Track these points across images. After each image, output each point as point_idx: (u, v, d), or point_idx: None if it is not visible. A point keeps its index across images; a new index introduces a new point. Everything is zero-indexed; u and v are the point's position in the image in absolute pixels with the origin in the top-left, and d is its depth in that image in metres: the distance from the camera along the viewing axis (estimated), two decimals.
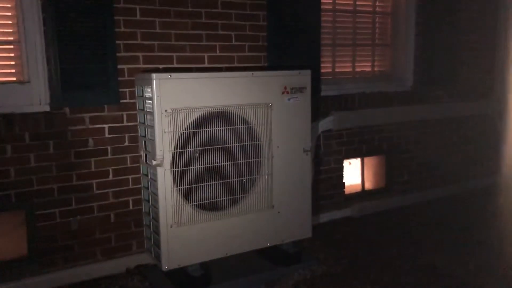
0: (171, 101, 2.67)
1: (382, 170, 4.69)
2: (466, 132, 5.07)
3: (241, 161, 2.94)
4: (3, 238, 2.99)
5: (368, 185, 4.65)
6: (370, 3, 4.49)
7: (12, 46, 2.97)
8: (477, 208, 4.52)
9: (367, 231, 3.97)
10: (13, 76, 2.99)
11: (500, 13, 5.10)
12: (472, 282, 3.04)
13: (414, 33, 4.56)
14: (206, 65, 3.42)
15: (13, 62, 2.99)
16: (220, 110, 2.84)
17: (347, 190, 4.35)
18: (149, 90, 2.68)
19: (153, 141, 2.70)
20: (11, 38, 2.97)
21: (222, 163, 2.88)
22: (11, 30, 2.96)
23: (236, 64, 3.55)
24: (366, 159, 4.61)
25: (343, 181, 4.29)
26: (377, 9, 4.56)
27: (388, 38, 4.66)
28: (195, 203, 2.82)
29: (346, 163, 4.33)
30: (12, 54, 2.98)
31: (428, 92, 4.69)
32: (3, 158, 2.85)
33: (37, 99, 2.99)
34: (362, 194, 4.56)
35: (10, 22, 2.94)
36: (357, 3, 4.39)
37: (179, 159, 2.74)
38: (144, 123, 2.87)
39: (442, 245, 3.62)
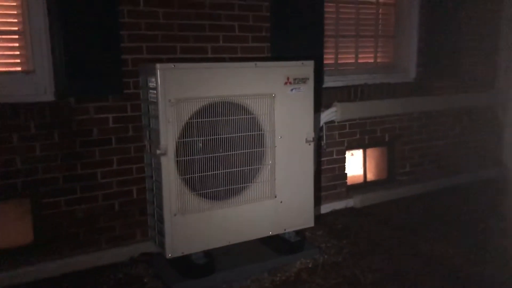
0: (175, 91, 2.69)
1: (384, 161, 4.71)
2: (469, 124, 5.08)
3: (244, 151, 2.97)
4: (9, 225, 3.03)
5: (370, 176, 4.68)
6: None
7: (17, 36, 2.99)
8: (479, 199, 4.53)
9: (369, 221, 4.00)
10: (18, 66, 3.02)
11: (505, 3, 5.08)
12: (472, 272, 3.07)
13: (418, 24, 4.56)
14: (209, 55, 3.44)
15: (18, 52, 3.02)
16: (223, 100, 2.86)
17: (349, 181, 4.38)
18: (153, 80, 2.70)
19: (157, 130, 2.72)
20: (16, 28, 2.99)
21: (225, 153, 2.91)
22: (16, 20, 2.98)
23: (239, 55, 3.56)
24: (369, 150, 4.63)
25: (345, 172, 4.31)
26: (381, 0, 4.56)
27: (392, 29, 4.65)
28: (199, 192, 2.85)
29: (348, 154, 4.36)
30: (17, 44, 3.00)
31: (431, 83, 4.69)
32: (10, 147, 2.88)
33: (42, 88, 3.01)
34: (364, 185, 4.59)
35: (15, 12, 2.96)
36: None
37: (183, 148, 2.77)
38: (148, 113, 2.89)
39: (443, 236, 3.65)
